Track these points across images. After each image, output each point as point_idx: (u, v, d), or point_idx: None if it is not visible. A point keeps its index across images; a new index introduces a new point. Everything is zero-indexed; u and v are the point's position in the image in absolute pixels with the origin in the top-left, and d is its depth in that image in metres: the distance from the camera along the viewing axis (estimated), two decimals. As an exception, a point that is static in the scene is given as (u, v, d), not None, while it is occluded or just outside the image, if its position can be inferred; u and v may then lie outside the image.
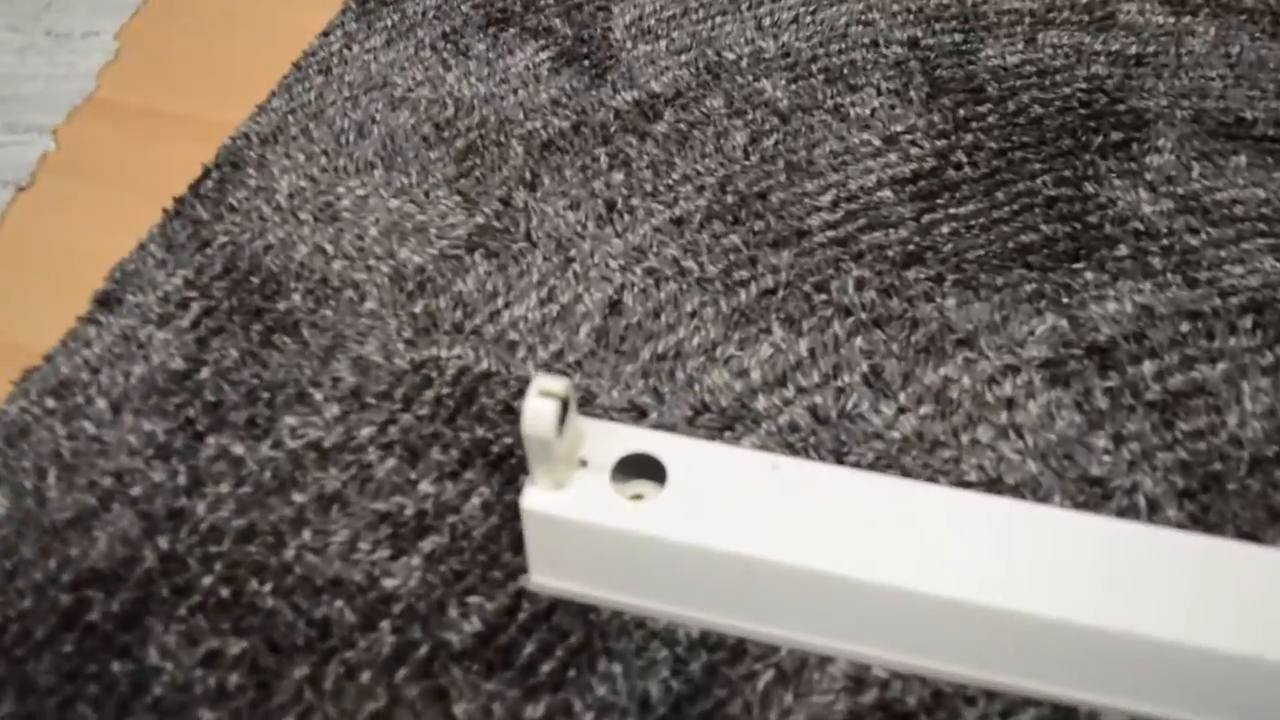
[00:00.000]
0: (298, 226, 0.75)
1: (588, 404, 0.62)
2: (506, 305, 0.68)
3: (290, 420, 0.64)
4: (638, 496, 0.52)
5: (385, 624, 0.55)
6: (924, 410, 0.60)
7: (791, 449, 0.59)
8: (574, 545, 0.50)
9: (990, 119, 0.77)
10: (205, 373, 0.67)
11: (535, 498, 0.50)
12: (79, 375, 0.68)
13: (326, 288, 0.71)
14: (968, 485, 0.57)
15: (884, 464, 0.58)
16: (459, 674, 0.52)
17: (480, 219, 0.74)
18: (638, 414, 0.62)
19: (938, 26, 0.84)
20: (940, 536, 0.48)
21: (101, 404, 0.66)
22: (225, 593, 0.57)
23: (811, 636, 0.50)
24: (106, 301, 0.72)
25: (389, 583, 0.56)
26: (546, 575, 0.53)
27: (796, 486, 0.49)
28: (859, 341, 0.63)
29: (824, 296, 0.66)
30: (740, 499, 0.49)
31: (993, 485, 0.57)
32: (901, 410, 0.60)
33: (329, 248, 0.73)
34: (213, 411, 0.65)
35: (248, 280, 0.72)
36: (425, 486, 0.60)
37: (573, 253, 0.71)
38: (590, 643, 0.53)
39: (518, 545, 0.56)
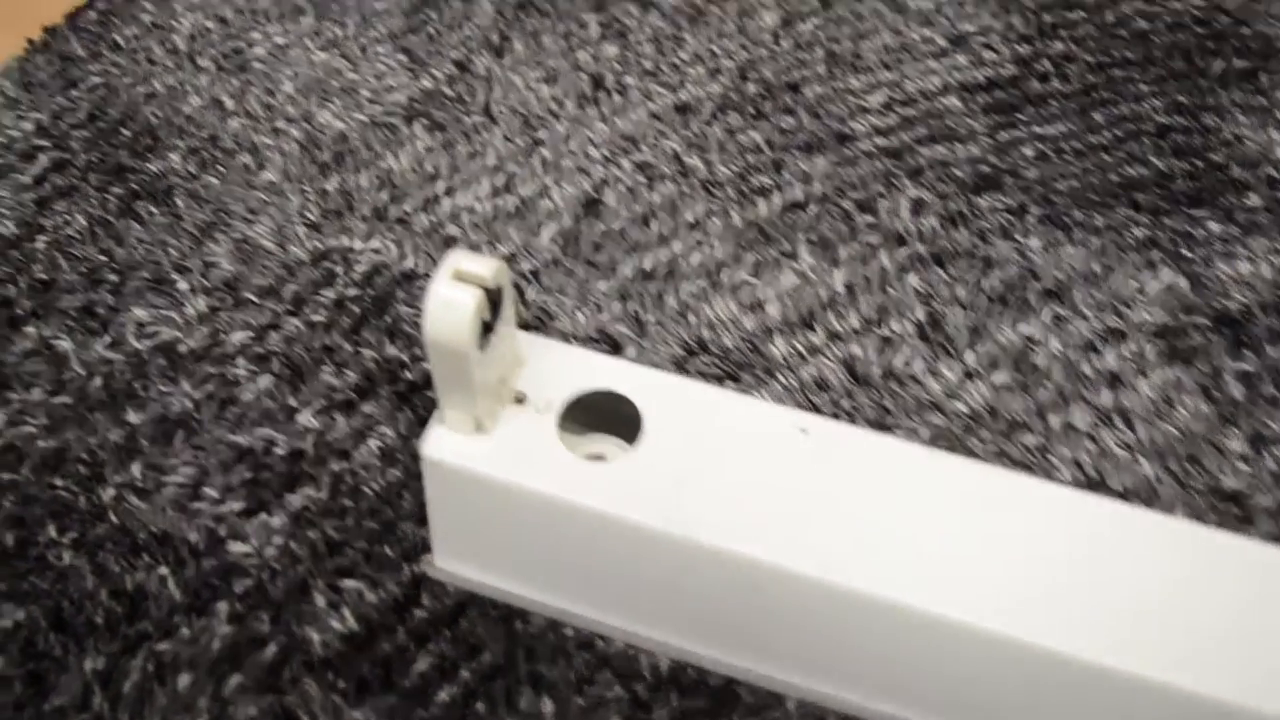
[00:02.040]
0: (194, 74, 0.58)
1: (542, 328, 0.46)
2: (449, 191, 0.51)
3: (139, 313, 0.47)
4: (597, 458, 0.35)
5: (222, 606, 0.38)
6: (999, 378, 0.44)
7: (816, 413, 0.43)
8: (496, 517, 0.34)
9: (1084, 29, 0.61)
10: (40, 242, 0.50)
11: (442, 442, 0.34)
12: (-125, 233, 0.51)
13: (216, 149, 0.54)
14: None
15: (942, 445, 0.42)
16: (315, 691, 0.36)
17: (427, 83, 0.57)
18: (610, 347, 0.45)
19: (1021, -82, 0.68)
20: (1045, 556, 0.32)
21: (-104, 272, 0.49)
22: (10, 540, 0.41)
23: (836, 687, 0.34)
24: (-69, 144, 0.55)
25: (237, 548, 0.40)
26: (455, 559, 0.37)
27: (835, 463, 0.33)
28: (913, 279, 0.47)
29: (869, 218, 0.50)
30: (750, 474, 0.33)
31: (1091, 488, 0.41)
32: (969, 375, 0.44)
33: (228, 102, 0.56)
34: (40, 293, 0.48)
35: (117, 132, 0.55)
36: (307, 418, 0.43)
37: (542, 134, 0.54)
38: (511, 665, 0.36)
39: (424, 513, 0.40)
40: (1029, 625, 0.31)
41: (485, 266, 0.31)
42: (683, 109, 0.55)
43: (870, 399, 0.43)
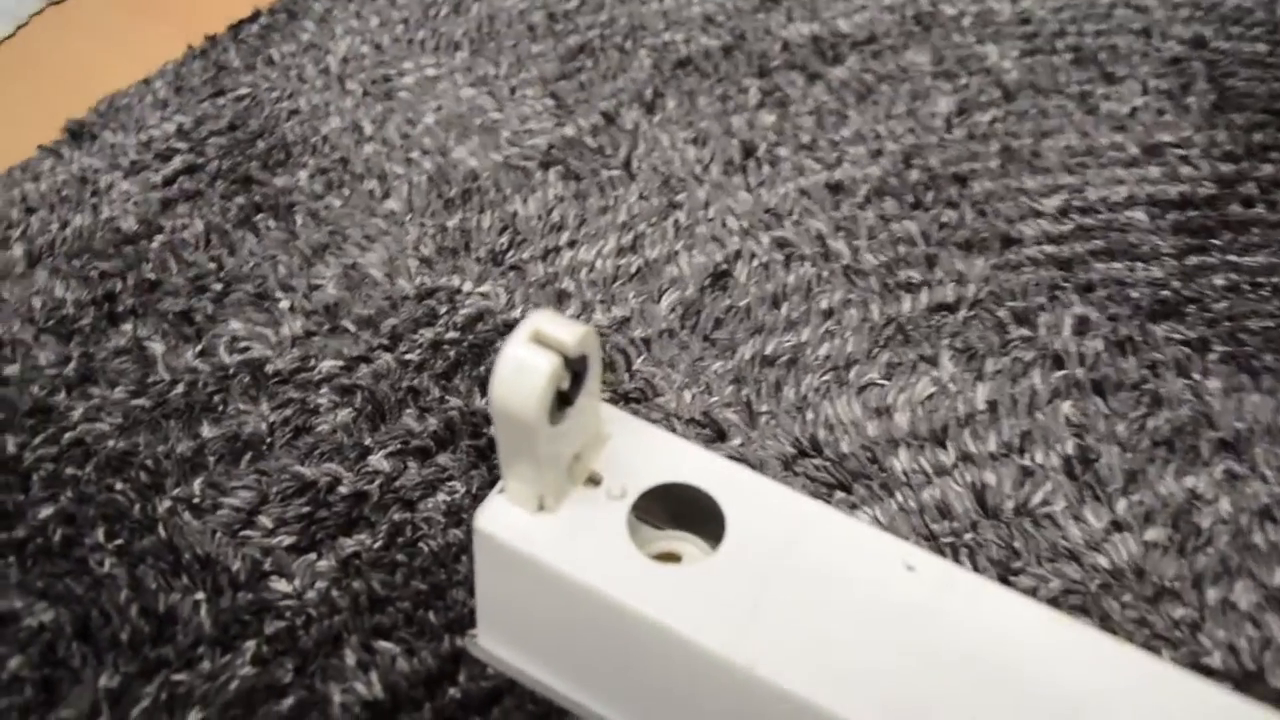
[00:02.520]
0: (340, 96, 0.57)
1: (643, 401, 0.42)
2: (571, 243, 0.48)
3: (235, 326, 0.45)
4: (670, 557, 0.31)
5: (249, 646, 0.35)
6: (1152, 534, 0.38)
7: (934, 543, 0.38)
8: (545, 605, 0.30)
9: (1299, 156, 0.55)
10: (156, 242, 0.49)
11: (498, 515, 0.30)
12: (8, 212, 0.51)
13: (345, 172, 0.52)
14: (1206, 671, 0.35)
15: (1073, 602, 0.36)
16: (325, 762, 0.33)
17: (570, 131, 0.54)
18: (714, 433, 0.41)
19: (1234, 30, 0.62)
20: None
21: (18, 251, 0.49)
22: (58, 536, 0.39)
23: None
24: (79, 134, 0.56)
25: (278, 585, 0.37)
26: (499, 641, 0.33)
27: (939, 614, 0.28)
28: (1067, 407, 0.42)
29: (1025, 331, 0.45)
30: (838, 609, 0.28)
31: (1246, 682, 0.34)
32: (1117, 525, 0.38)
33: (368, 127, 0.55)
34: (145, 292, 0.47)
35: (253, 143, 0.54)
36: (379, 460, 0.40)
37: (681, 197, 0.51)
38: (542, 768, 0.32)
39: (480, 581, 0.36)
40: None
41: (569, 331, 0.27)
42: (835, 188, 0.51)
43: (998, 536, 0.38)
